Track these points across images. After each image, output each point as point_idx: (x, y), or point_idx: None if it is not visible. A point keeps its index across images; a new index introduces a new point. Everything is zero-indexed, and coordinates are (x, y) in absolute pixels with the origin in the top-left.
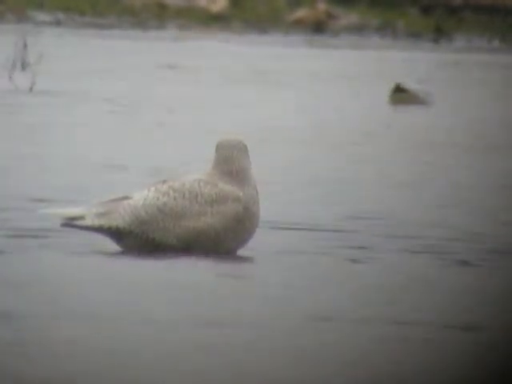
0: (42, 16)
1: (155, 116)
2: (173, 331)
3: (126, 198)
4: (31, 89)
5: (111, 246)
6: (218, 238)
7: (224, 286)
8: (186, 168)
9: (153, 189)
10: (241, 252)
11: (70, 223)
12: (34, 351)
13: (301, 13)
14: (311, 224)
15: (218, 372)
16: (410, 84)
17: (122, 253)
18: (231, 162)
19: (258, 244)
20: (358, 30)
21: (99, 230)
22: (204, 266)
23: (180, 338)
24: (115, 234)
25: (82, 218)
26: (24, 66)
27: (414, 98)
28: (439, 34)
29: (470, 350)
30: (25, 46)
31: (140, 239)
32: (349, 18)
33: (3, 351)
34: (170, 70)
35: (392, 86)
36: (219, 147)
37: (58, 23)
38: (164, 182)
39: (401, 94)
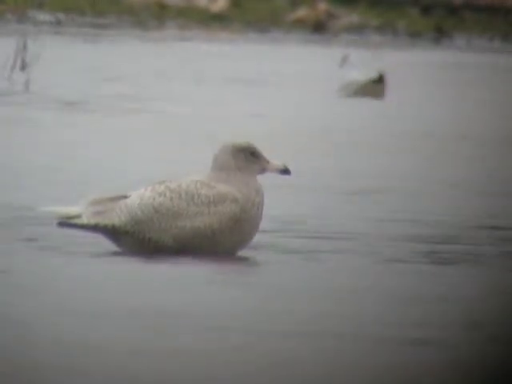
0: (42, 16)
1: (154, 118)
2: (171, 331)
3: (123, 197)
4: (27, 87)
5: (109, 245)
6: (214, 239)
7: (222, 288)
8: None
9: (149, 189)
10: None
11: (67, 222)
12: (35, 350)
13: (301, 13)
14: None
15: (215, 374)
16: (356, 74)
17: (119, 252)
18: (224, 164)
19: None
20: (359, 29)
21: (95, 228)
22: (203, 268)
23: (179, 339)
24: (111, 233)
25: (78, 216)
26: (23, 66)
27: (366, 90)
28: (439, 33)
29: None
30: (24, 46)
31: (136, 239)
32: (349, 17)
33: (5, 350)
34: (171, 72)
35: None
36: (218, 151)
37: (58, 23)
38: (161, 182)
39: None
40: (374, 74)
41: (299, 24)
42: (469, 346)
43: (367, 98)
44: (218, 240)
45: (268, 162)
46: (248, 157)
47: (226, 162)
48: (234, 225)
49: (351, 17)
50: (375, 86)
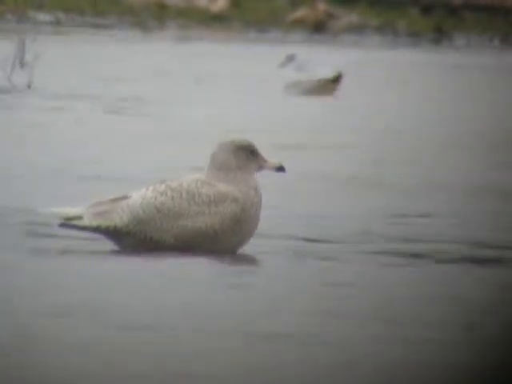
0: (42, 16)
1: (154, 118)
2: (171, 330)
3: (124, 197)
4: (29, 86)
5: (110, 245)
6: (216, 238)
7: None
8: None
9: (151, 188)
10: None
11: (68, 223)
12: (36, 350)
13: (301, 12)
14: None
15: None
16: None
17: (121, 252)
18: (224, 163)
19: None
20: (359, 29)
21: (97, 230)
22: (204, 266)
23: (180, 341)
24: (113, 233)
25: (79, 217)
26: (23, 64)
27: (319, 88)
28: (439, 33)
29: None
30: (24, 45)
31: (138, 239)
32: (348, 18)
33: (6, 350)
34: (168, 72)
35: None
36: (215, 149)
37: (58, 23)
38: (162, 181)
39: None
40: (330, 73)
41: (299, 24)
42: (468, 345)
43: (317, 96)
44: (219, 239)
45: (265, 160)
46: (248, 155)
47: (226, 161)
48: (235, 225)
49: (351, 17)
50: (330, 85)
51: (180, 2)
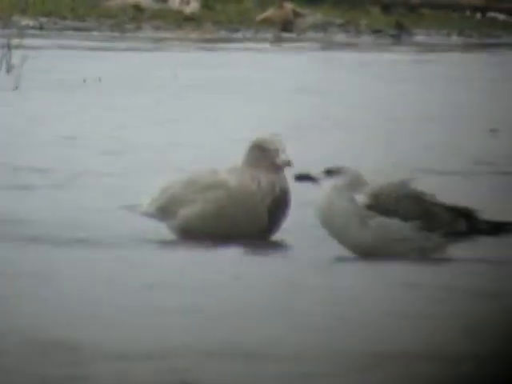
0: (26, 21)
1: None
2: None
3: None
4: (16, 87)
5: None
6: (207, 223)
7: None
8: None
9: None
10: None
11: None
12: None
13: (269, 12)
14: None
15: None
16: None
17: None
18: (243, 159)
19: None
20: (323, 27)
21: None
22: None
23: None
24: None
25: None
26: (9, 68)
27: None
28: (400, 29)
29: None
30: (9, 49)
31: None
32: (314, 17)
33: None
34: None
35: None
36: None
37: (41, 28)
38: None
39: None
40: None
41: (267, 23)
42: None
43: None
44: (213, 224)
45: (278, 157)
46: (258, 153)
47: (243, 157)
48: (221, 209)
49: (316, 16)
50: None
51: (155, 5)
